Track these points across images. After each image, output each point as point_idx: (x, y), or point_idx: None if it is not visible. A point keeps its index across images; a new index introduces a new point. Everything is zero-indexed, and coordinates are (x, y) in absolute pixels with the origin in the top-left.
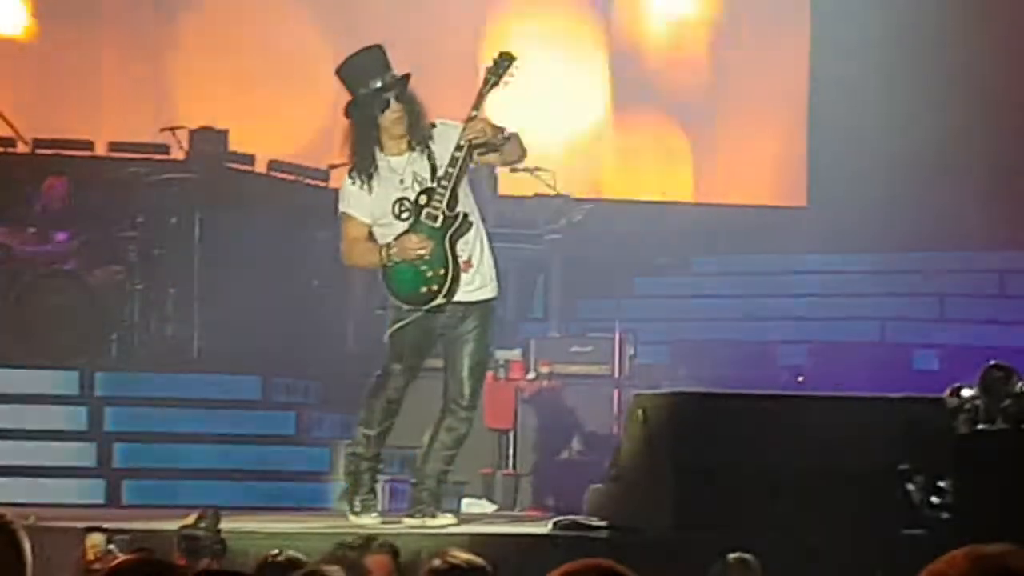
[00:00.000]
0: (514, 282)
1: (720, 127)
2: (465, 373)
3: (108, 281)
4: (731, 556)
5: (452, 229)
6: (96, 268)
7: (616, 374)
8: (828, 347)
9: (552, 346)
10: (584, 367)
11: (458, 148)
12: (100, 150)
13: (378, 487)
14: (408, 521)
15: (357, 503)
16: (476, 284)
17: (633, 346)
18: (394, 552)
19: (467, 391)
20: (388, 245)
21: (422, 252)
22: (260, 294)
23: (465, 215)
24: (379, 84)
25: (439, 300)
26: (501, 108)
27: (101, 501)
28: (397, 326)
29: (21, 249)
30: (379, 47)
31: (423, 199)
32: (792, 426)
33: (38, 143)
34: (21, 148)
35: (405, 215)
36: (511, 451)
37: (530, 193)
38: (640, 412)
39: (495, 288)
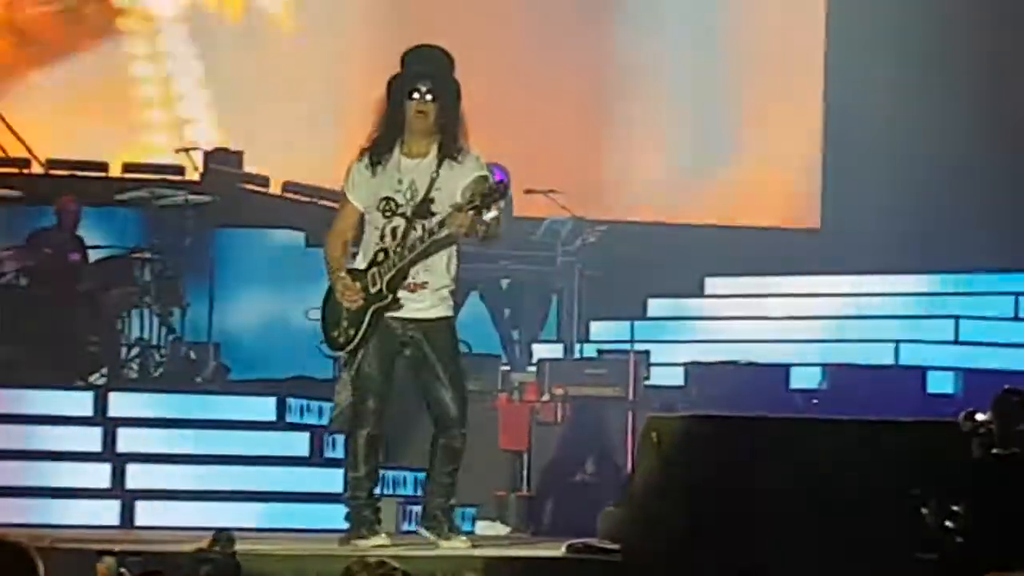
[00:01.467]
0: (528, 303)
1: (734, 149)
2: (445, 391)
3: (123, 301)
4: None
5: (381, 304)
6: (111, 289)
7: (630, 396)
8: (842, 370)
9: (566, 368)
10: (598, 389)
11: (429, 232)
12: (115, 171)
13: (383, 513)
14: (423, 533)
15: (364, 531)
16: (428, 303)
17: (647, 368)
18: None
19: (453, 408)
20: (336, 267)
21: (349, 305)
22: (275, 315)
23: (396, 299)
24: (418, 69)
25: (335, 353)
26: (518, 129)
27: (115, 522)
28: (355, 364)
29: (35, 270)
30: (447, 52)
31: (381, 256)
32: (805, 449)
33: (52, 164)
34: (35, 169)
35: (387, 215)
36: (525, 473)
37: (544, 215)
38: (654, 435)
39: (449, 307)
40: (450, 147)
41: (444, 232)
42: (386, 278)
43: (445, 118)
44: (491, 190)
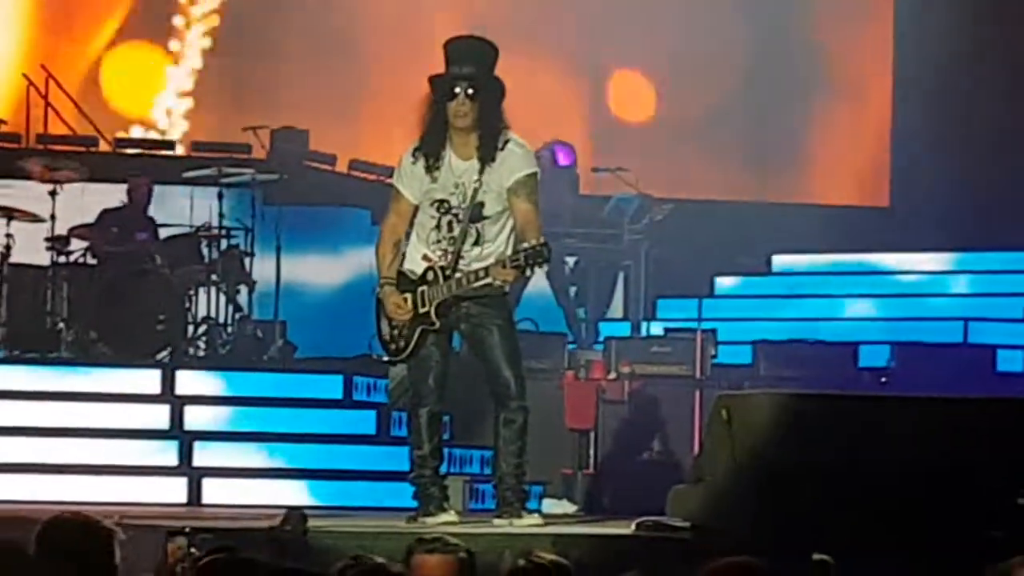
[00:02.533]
0: (594, 281)
1: (802, 127)
2: (501, 364)
3: (190, 280)
4: (813, 557)
5: (426, 327)
6: (178, 267)
7: (697, 374)
8: (910, 348)
9: (633, 346)
10: (665, 367)
11: (476, 276)
12: (182, 150)
13: (450, 490)
14: (496, 522)
15: (432, 509)
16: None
17: (714, 346)
18: (454, 551)
19: (511, 381)
20: (388, 281)
21: (396, 319)
22: (341, 293)
23: (463, 310)
24: (456, 71)
25: (388, 358)
26: (586, 107)
27: (183, 500)
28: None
29: (104, 248)
30: (491, 43)
31: (431, 276)
32: (875, 427)
33: (120, 143)
34: (104, 148)
35: (440, 215)
36: (592, 451)
37: (611, 192)
38: (724, 412)
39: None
40: (490, 146)
41: (485, 282)
42: (435, 303)
43: (485, 117)
44: (535, 252)
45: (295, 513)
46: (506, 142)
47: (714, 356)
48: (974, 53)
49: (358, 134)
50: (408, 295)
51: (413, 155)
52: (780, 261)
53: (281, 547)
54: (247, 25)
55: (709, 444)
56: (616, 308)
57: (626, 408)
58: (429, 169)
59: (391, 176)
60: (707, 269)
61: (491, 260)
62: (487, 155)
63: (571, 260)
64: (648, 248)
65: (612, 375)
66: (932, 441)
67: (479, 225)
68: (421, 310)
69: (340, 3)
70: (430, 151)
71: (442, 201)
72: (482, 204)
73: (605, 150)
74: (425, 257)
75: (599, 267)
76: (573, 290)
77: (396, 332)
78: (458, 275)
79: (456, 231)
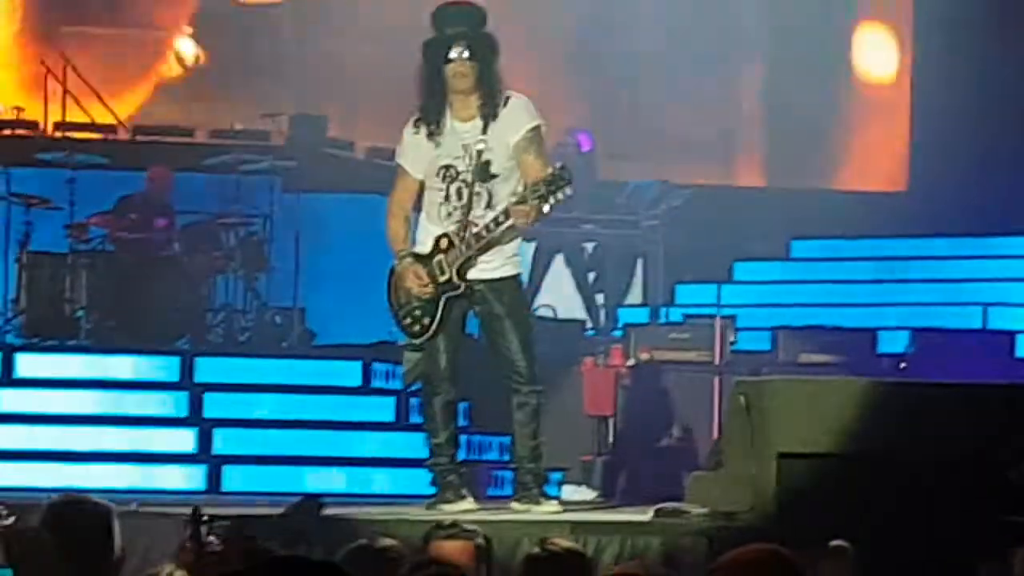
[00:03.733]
0: (612, 268)
1: (821, 112)
2: (513, 348)
3: (208, 267)
4: (830, 544)
5: (454, 293)
6: (196, 254)
7: (716, 360)
8: (929, 334)
9: (651, 332)
10: (684, 353)
11: (496, 222)
12: (200, 137)
13: (468, 477)
14: (515, 506)
15: (450, 496)
16: (496, 263)
17: (733, 332)
18: (472, 538)
19: (523, 365)
20: (402, 253)
21: (419, 293)
22: (359, 280)
23: (476, 293)
24: (450, 31)
25: (413, 340)
26: (604, 93)
27: (202, 487)
28: (439, 321)
29: (122, 236)
30: (478, 5)
31: (443, 243)
32: (894, 412)
33: (138, 130)
34: (122, 135)
35: (447, 182)
36: (611, 437)
37: (630, 179)
38: (742, 398)
39: (518, 264)
40: (491, 104)
41: (508, 222)
42: (455, 267)
43: (484, 75)
44: (555, 177)
45: (309, 500)
46: (507, 98)
47: (733, 342)
48: (994, 33)
49: (377, 120)
50: (425, 268)
51: (414, 125)
52: (799, 246)
53: (295, 534)
54: (266, 10)
55: (728, 430)
56: (635, 294)
57: (645, 394)
58: (431, 135)
59: None
60: (726, 255)
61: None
62: (489, 113)
63: (590, 246)
64: (666, 234)
65: (631, 361)
66: (950, 426)
67: (488, 186)
68: (442, 278)
69: None
70: (430, 118)
71: (447, 167)
72: (488, 163)
73: (622, 136)
74: (437, 238)
75: (617, 253)
76: (592, 276)
77: (419, 311)
78: (475, 230)
79: (465, 198)
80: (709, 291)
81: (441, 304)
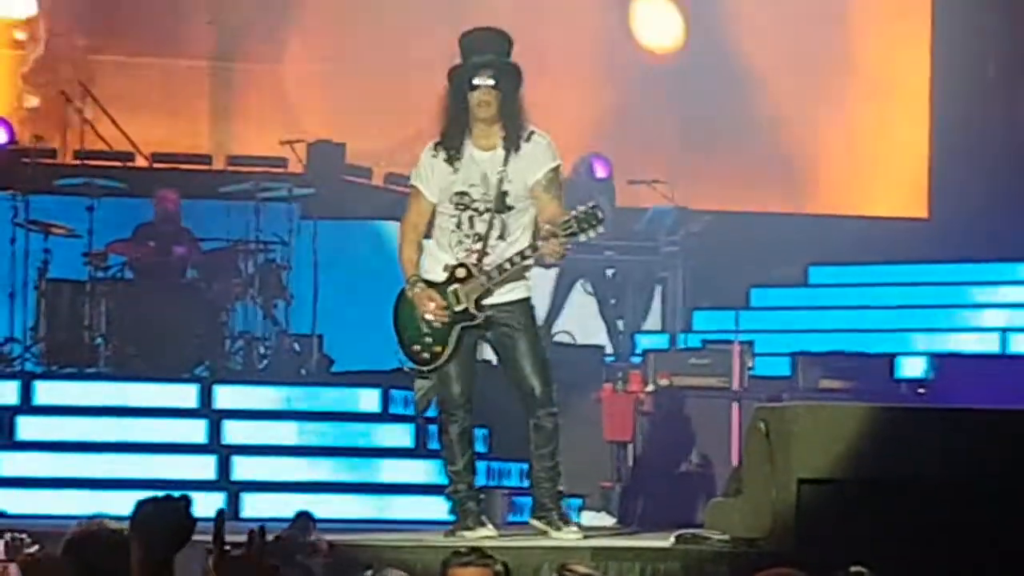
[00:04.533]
0: (632, 294)
1: (839, 138)
2: (528, 372)
3: (227, 294)
4: (850, 570)
5: (466, 324)
6: (215, 281)
7: (735, 386)
8: (949, 359)
9: (670, 358)
10: (703, 379)
11: (521, 255)
12: (219, 164)
13: (489, 503)
14: (533, 523)
15: (470, 523)
16: (507, 286)
17: (751, 358)
18: (490, 564)
19: (538, 389)
20: (415, 279)
21: (432, 319)
22: (378, 307)
23: (488, 318)
24: (477, 60)
25: (421, 368)
26: (621, 119)
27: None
28: (451, 350)
29: (141, 263)
30: (505, 33)
31: (461, 272)
32: (914, 439)
33: (156, 157)
34: (140, 163)
35: (460, 210)
36: (630, 463)
37: (648, 205)
38: (762, 425)
39: (527, 289)
40: (514, 136)
41: (537, 254)
42: (472, 298)
43: (508, 105)
44: (588, 215)
45: (300, 518)
46: (530, 134)
47: (751, 368)
48: (1017, 63)
49: (395, 147)
50: (439, 300)
51: (434, 149)
52: (817, 272)
53: (286, 554)
54: (282, 36)
55: (747, 457)
56: (653, 320)
57: (664, 420)
58: (450, 160)
59: None
60: (744, 280)
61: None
62: (511, 144)
63: (609, 272)
64: (685, 260)
65: (650, 387)
66: (975, 453)
67: (504, 217)
68: (458, 308)
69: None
70: (451, 143)
71: (462, 194)
72: (506, 193)
73: (641, 162)
74: (447, 266)
75: (636, 279)
76: (611, 302)
77: (429, 338)
78: (498, 262)
79: (478, 227)
80: (728, 317)
81: (455, 333)
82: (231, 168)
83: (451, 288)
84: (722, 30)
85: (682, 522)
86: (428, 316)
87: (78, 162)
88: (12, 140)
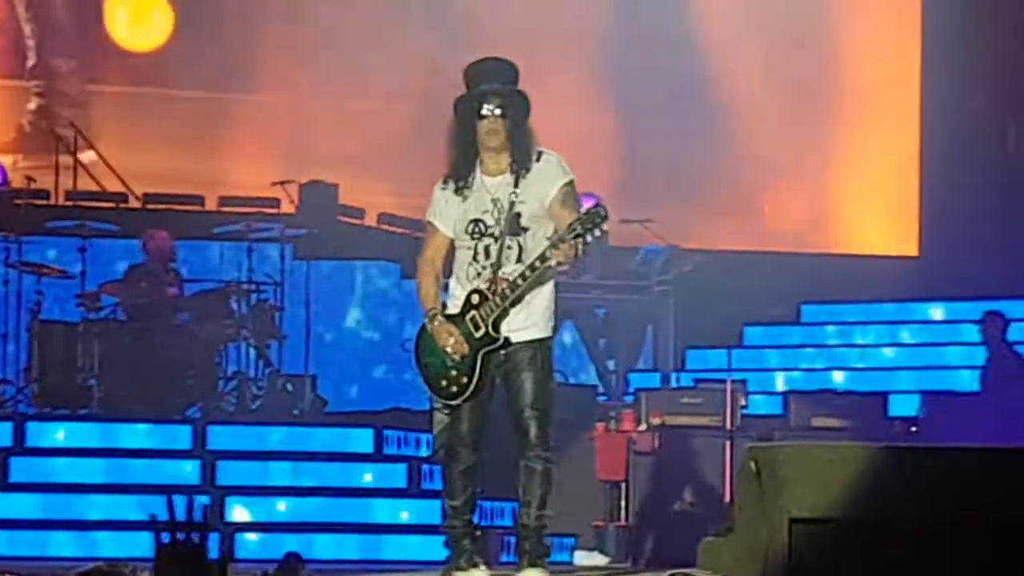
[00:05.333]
0: (624, 333)
1: (830, 177)
2: (526, 412)
3: (220, 334)
4: None
5: (488, 348)
6: (208, 322)
7: (727, 425)
8: (941, 397)
9: (663, 397)
10: (695, 418)
11: (531, 268)
12: (211, 204)
13: (480, 541)
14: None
15: (463, 563)
16: (528, 323)
17: (744, 396)
18: None
19: (532, 429)
20: (434, 312)
21: (453, 353)
22: (371, 346)
23: (507, 339)
24: (485, 88)
25: (450, 402)
26: (611, 158)
27: (214, 556)
28: (477, 378)
29: (133, 304)
30: (511, 63)
31: (475, 299)
32: (906, 477)
33: (149, 198)
34: (133, 203)
35: (476, 239)
36: (623, 503)
37: (640, 244)
38: (753, 464)
39: (544, 328)
40: (523, 161)
41: (547, 264)
42: (490, 320)
43: (516, 133)
44: (591, 214)
45: (289, 561)
46: (539, 154)
47: (744, 406)
48: (1004, 99)
49: (386, 187)
50: (458, 328)
51: (444, 183)
52: (809, 311)
53: None
54: (272, 73)
55: (739, 496)
56: (646, 359)
57: (657, 459)
58: (460, 191)
59: (420, 230)
60: (736, 319)
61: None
62: (521, 167)
63: (600, 311)
64: (677, 299)
65: (643, 426)
66: (967, 491)
67: (520, 239)
68: (477, 334)
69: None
70: (460, 174)
71: (476, 221)
72: (519, 215)
73: (632, 201)
74: (468, 294)
75: (628, 318)
76: (603, 342)
77: (455, 371)
78: (510, 279)
79: (493, 255)
80: (720, 356)
81: (478, 361)
82: (223, 209)
83: (468, 316)
84: (710, 67)
85: (675, 561)
86: (448, 349)
87: (70, 203)
88: (4, 182)
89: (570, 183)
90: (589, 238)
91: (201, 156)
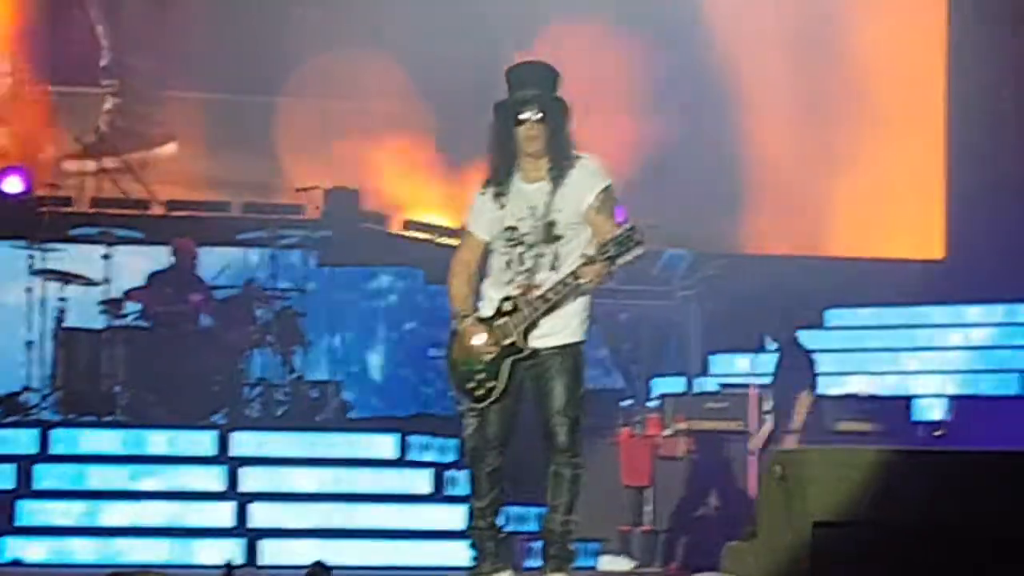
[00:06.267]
0: (648, 338)
1: (855, 180)
2: (555, 417)
3: (244, 341)
4: None
5: (520, 357)
6: (232, 328)
7: (752, 430)
8: (966, 401)
9: (687, 402)
10: (720, 423)
11: (563, 283)
12: (235, 211)
13: (504, 544)
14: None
15: (487, 567)
16: (561, 328)
17: (768, 401)
18: None
19: (561, 435)
20: (465, 313)
21: (481, 353)
22: (395, 352)
23: (535, 351)
24: (522, 95)
25: (475, 405)
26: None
27: (239, 561)
28: (504, 384)
29: (157, 311)
30: (550, 66)
31: (507, 306)
32: (931, 481)
33: (172, 204)
34: (156, 210)
35: (510, 243)
36: (648, 507)
37: (662, 248)
38: (778, 468)
39: (576, 332)
40: (561, 167)
41: (578, 282)
42: (520, 329)
43: (555, 138)
44: (626, 237)
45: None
46: (577, 159)
47: (768, 411)
48: None
49: (411, 193)
50: (488, 333)
51: (483, 187)
52: (833, 315)
53: None
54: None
55: (763, 500)
56: (670, 364)
57: (682, 464)
58: (498, 196)
59: (444, 236)
60: (761, 324)
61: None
62: (558, 174)
63: (624, 316)
64: (700, 304)
65: (667, 431)
66: (992, 495)
67: (554, 247)
68: (506, 341)
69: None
70: (499, 179)
71: (511, 228)
72: (552, 224)
73: (651, 204)
74: (496, 302)
75: (652, 323)
76: (627, 346)
77: (483, 373)
78: (540, 291)
79: (527, 262)
80: (744, 361)
81: (506, 367)
82: (247, 215)
83: (498, 322)
84: (735, 69)
85: (700, 566)
86: (476, 351)
87: (94, 210)
88: (29, 190)
89: (607, 188)
90: (620, 260)
91: (271, 159)
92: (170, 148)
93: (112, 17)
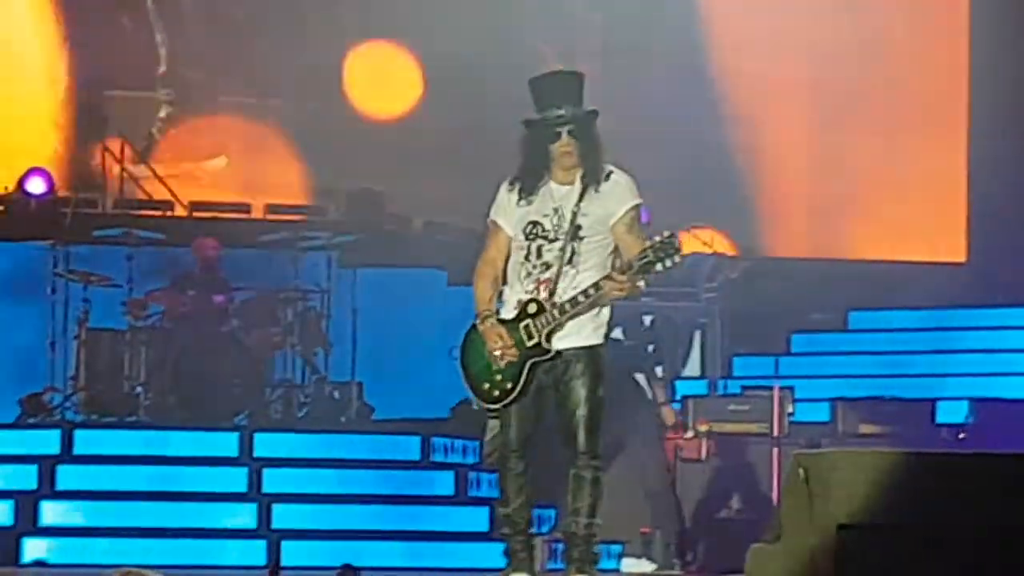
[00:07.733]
0: (670, 340)
1: (879, 183)
2: (577, 420)
3: (266, 342)
4: None
5: (538, 359)
6: (254, 330)
7: (775, 432)
8: (989, 404)
9: (710, 404)
10: (742, 425)
11: (584, 294)
12: (258, 212)
13: (535, 549)
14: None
15: (512, 568)
16: (584, 330)
17: (791, 403)
18: None
19: (582, 437)
20: (487, 314)
21: (500, 356)
22: (418, 354)
23: (559, 352)
24: (557, 114)
25: (491, 406)
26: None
27: (262, 563)
28: (521, 385)
29: (180, 312)
30: (578, 74)
31: (532, 308)
32: (955, 485)
33: (195, 206)
34: (179, 212)
35: (531, 240)
36: (671, 510)
37: (686, 250)
38: (801, 471)
39: (597, 335)
40: (593, 175)
41: (601, 293)
42: (544, 332)
43: (588, 150)
44: (665, 244)
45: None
46: (609, 173)
47: (791, 413)
48: None
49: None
50: (510, 334)
51: (510, 184)
52: (857, 317)
53: None
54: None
55: (786, 502)
56: (693, 366)
57: (704, 466)
58: (525, 197)
59: (467, 238)
60: (783, 326)
61: (587, 283)
62: (591, 182)
63: (647, 318)
64: (724, 306)
65: (690, 433)
66: (1016, 498)
67: (575, 244)
68: (529, 343)
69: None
70: (528, 183)
71: (534, 223)
72: (579, 226)
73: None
74: (519, 302)
75: (675, 325)
76: (650, 348)
77: (500, 375)
78: (567, 295)
79: (546, 256)
80: (767, 363)
81: (526, 368)
82: (270, 217)
83: (523, 324)
84: (758, 77)
85: (723, 568)
86: (496, 352)
87: (118, 211)
88: (51, 190)
89: (637, 207)
90: (659, 267)
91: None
92: (219, 162)
93: (172, 28)
